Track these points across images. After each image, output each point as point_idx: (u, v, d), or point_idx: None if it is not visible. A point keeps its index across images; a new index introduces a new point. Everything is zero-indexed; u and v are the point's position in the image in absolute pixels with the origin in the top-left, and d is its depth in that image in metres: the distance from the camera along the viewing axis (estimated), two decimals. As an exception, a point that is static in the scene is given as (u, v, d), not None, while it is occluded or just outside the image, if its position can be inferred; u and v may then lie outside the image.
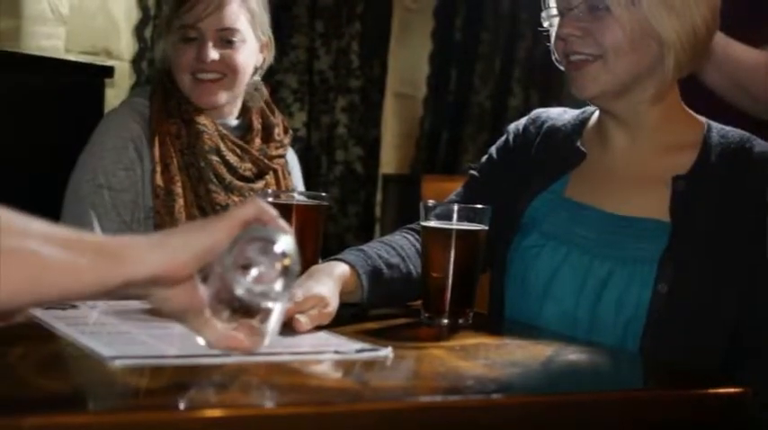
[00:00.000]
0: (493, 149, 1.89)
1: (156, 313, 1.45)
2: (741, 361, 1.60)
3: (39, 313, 1.38)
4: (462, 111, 4.55)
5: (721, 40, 2.18)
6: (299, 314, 1.38)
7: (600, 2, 1.62)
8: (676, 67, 1.64)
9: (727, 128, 1.72)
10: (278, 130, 2.38)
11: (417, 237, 1.72)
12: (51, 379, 1.09)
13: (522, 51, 4.51)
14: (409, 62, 4.45)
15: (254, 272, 1.12)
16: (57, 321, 1.33)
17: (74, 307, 1.45)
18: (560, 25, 1.68)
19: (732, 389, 1.27)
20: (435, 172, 4.42)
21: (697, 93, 1.98)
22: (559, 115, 1.86)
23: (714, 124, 1.73)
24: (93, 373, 1.13)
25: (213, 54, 2.21)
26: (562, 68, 1.71)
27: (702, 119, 1.74)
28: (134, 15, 3.48)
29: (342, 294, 1.51)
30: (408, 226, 1.80)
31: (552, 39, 1.72)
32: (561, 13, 1.68)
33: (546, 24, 1.74)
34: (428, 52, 4.49)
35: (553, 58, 1.73)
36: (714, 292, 1.58)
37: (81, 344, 1.20)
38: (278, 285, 1.12)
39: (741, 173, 1.65)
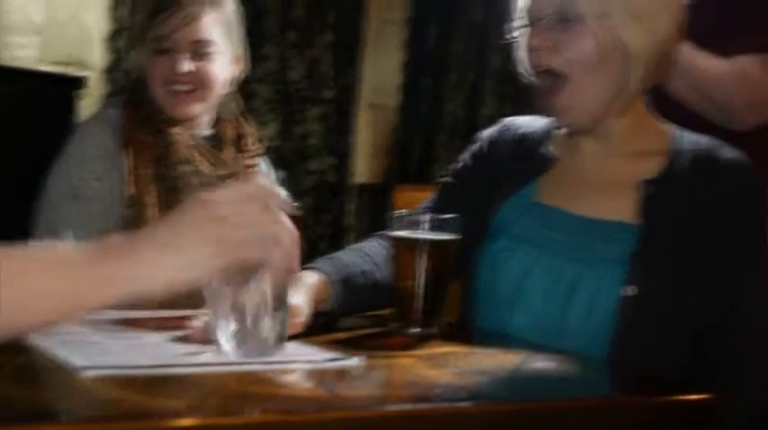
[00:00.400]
0: (464, 156, 1.90)
1: (129, 323, 1.46)
2: (708, 365, 1.62)
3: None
4: (435, 121, 4.57)
5: (687, 51, 2.19)
6: None
7: (570, 12, 1.63)
8: (642, 79, 1.66)
9: (696, 135, 1.74)
10: (250, 140, 2.39)
11: None
12: (23, 389, 1.09)
13: (494, 61, 4.54)
14: (382, 72, 4.47)
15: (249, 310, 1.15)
16: (29, 332, 1.34)
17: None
18: (530, 36, 1.68)
19: (697, 396, 1.28)
20: (408, 181, 4.43)
21: (668, 102, 2.00)
22: (530, 122, 1.87)
23: (683, 132, 1.75)
24: (64, 384, 1.13)
25: (187, 66, 2.22)
26: (529, 80, 1.73)
27: (671, 126, 1.76)
28: (107, 26, 3.48)
29: (314, 303, 1.52)
30: (381, 232, 1.81)
31: (521, 49, 1.74)
32: (532, 24, 1.69)
33: (514, 34, 1.74)
34: (400, 62, 4.51)
35: (519, 68, 1.74)
36: (682, 295, 1.60)
37: (52, 355, 1.21)
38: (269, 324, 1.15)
39: (710, 178, 1.66)
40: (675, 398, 1.29)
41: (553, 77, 1.66)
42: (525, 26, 1.71)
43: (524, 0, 1.71)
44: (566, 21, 1.64)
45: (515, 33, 1.74)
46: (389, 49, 4.49)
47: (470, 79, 4.58)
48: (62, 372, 1.15)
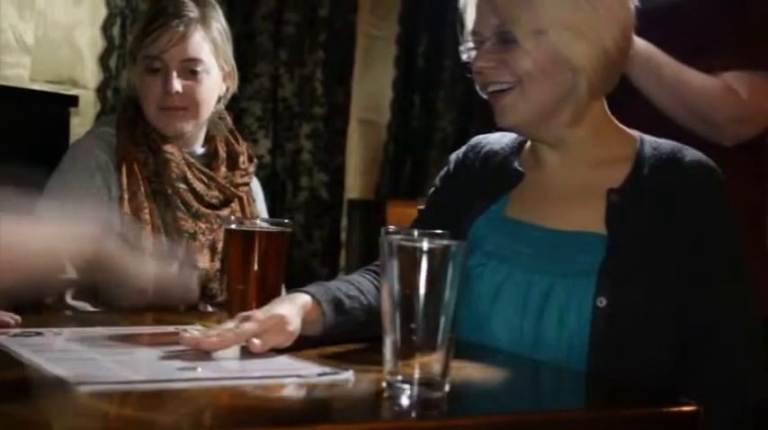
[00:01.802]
0: (437, 180, 1.92)
1: (122, 339, 1.47)
2: (693, 370, 1.62)
3: (3, 340, 1.39)
4: (426, 137, 4.60)
5: (674, 66, 2.21)
6: (255, 337, 1.40)
7: (508, 34, 1.65)
8: (590, 89, 1.67)
9: (660, 140, 1.74)
10: (243, 158, 2.40)
11: (377, 276, 1.74)
12: (17, 405, 1.10)
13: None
14: (373, 89, 4.49)
15: None
16: (21, 348, 1.35)
17: (39, 334, 1.46)
18: (474, 59, 1.70)
19: (683, 408, 1.29)
20: (400, 197, 4.45)
21: (634, 109, 2.01)
22: (498, 140, 1.89)
23: (647, 137, 1.75)
24: (58, 399, 1.14)
25: (177, 85, 2.23)
26: (485, 97, 1.75)
27: (635, 133, 1.77)
28: (99, 45, 3.50)
29: (304, 324, 1.51)
30: (367, 267, 1.81)
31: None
32: (476, 46, 1.72)
33: (464, 57, 1.77)
34: (391, 79, 4.53)
35: (477, 87, 1.77)
36: (656, 303, 1.59)
37: (46, 371, 1.22)
38: None
39: (674, 182, 1.66)
40: (659, 409, 1.29)
41: (502, 83, 1.69)
42: (473, 48, 1.73)
43: (469, 25, 1.73)
44: (506, 42, 1.66)
45: (464, 56, 1.77)
46: (380, 66, 4.52)
47: (460, 95, 4.61)
48: (57, 388, 1.16)
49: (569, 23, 1.63)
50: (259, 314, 1.43)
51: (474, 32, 1.72)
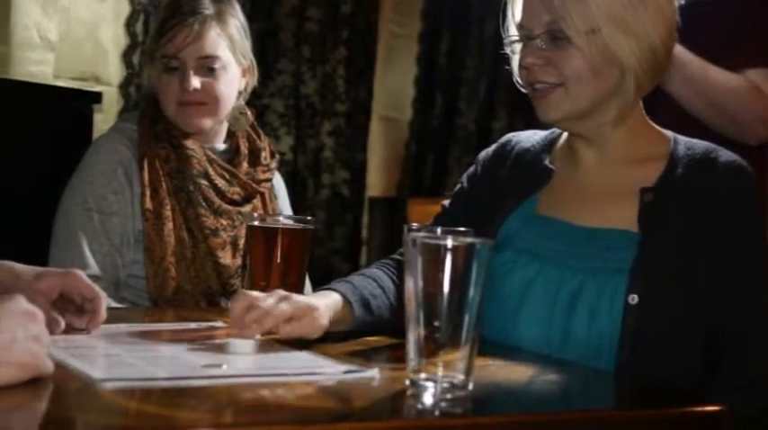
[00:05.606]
0: (464, 178, 1.92)
1: (146, 336, 1.47)
2: (717, 371, 1.62)
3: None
4: (448, 134, 4.59)
5: (701, 65, 2.20)
6: (287, 323, 1.45)
7: (560, 32, 1.64)
8: (637, 88, 1.67)
9: (693, 140, 1.75)
10: (265, 154, 2.40)
11: (393, 270, 1.75)
12: (41, 401, 1.10)
13: (506, 75, 4.54)
14: (395, 86, 4.49)
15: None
16: (47, 344, 1.35)
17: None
18: (523, 54, 1.70)
19: (709, 408, 1.28)
20: (421, 194, 4.45)
21: (664, 108, 2.00)
22: (528, 137, 1.89)
23: (680, 137, 1.75)
24: (83, 395, 1.14)
25: (195, 83, 2.23)
26: (525, 92, 1.74)
27: (669, 133, 1.77)
28: (122, 41, 3.51)
29: (333, 320, 1.54)
30: (383, 261, 1.82)
31: (515, 65, 1.75)
32: (523, 42, 1.71)
33: (508, 50, 1.76)
34: (413, 76, 4.53)
35: (515, 80, 1.76)
36: (686, 302, 1.59)
37: (71, 367, 1.22)
38: None
39: (707, 182, 1.67)
40: (685, 409, 1.29)
41: (548, 83, 1.68)
42: (518, 42, 1.73)
43: (516, 17, 1.72)
44: (557, 39, 1.65)
45: (508, 49, 1.76)
46: (402, 64, 4.52)
47: (482, 93, 4.60)
48: (81, 384, 1.17)
49: (620, 21, 1.62)
50: (296, 297, 1.47)
51: (521, 26, 1.71)
